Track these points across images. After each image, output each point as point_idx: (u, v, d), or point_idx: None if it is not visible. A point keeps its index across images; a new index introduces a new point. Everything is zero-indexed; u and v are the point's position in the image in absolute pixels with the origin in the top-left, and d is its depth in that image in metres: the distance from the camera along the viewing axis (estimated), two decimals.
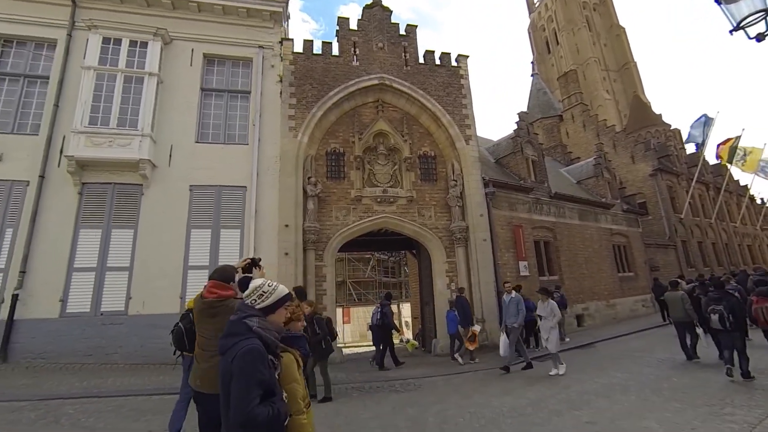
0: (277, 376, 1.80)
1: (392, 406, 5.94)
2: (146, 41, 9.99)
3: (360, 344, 17.57)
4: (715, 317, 6.02)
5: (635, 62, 56.29)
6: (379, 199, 10.96)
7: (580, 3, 59.27)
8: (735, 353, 5.89)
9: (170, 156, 9.74)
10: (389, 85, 11.67)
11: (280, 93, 10.81)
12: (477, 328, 9.69)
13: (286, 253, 9.62)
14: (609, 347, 10.22)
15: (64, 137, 9.10)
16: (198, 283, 9.03)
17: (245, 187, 9.97)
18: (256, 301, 1.90)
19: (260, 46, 11.00)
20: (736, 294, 6.66)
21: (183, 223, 9.42)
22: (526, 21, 68.95)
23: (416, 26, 12.45)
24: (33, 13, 9.78)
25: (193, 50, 10.57)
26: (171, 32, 10.44)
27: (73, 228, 8.91)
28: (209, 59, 10.87)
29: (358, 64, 11.60)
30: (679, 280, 8.95)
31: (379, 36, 11.99)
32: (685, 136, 23.39)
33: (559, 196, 13.87)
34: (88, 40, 9.65)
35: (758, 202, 30.97)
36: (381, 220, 10.96)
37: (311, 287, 9.74)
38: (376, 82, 11.55)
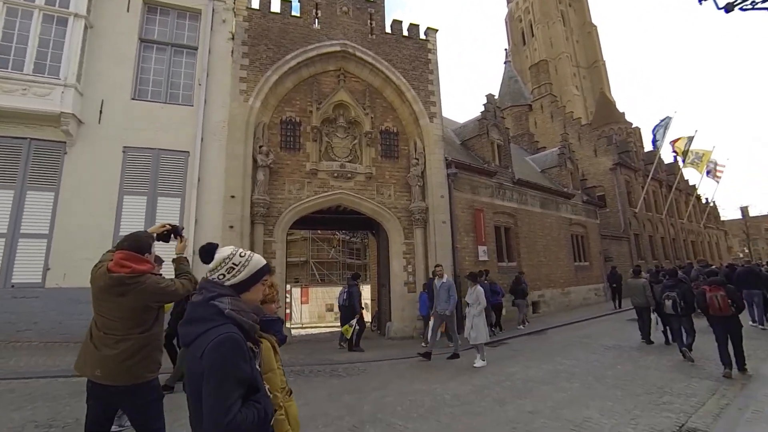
0: (258, 367, 1.45)
1: (329, 392, 5.51)
2: None
3: (317, 325, 17.11)
4: (669, 303, 6.62)
5: (604, 61, 57.80)
6: (336, 174, 10.34)
7: None
8: (684, 334, 6.60)
9: (100, 112, 8.61)
10: (352, 54, 10.92)
11: (231, 52, 9.83)
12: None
13: (231, 227, 8.87)
14: (560, 333, 10.32)
15: None
16: None
17: (188, 152, 9.04)
18: (225, 276, 1.50)
19: None
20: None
21: (114, 188, 8.42)
22: (504, 10, 68.91)
23: None
24: None
25: None
26: None
27: None
28: (150, 6, 9.66)
29: (319, 27, 10.75)
30: (640, 269, 9.41)
31: None
32: (645, 135, 24.16)
33: (523, 182, 13.80)
34: None
35: (703, 201, 32.89)
36: (337, 197, 10.37)
37: None
38: (338, 48, 10.77)
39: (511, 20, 65.70)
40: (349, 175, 10.47)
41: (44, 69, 8.15)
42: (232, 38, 9.90)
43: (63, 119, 8.02)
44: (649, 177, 22.13)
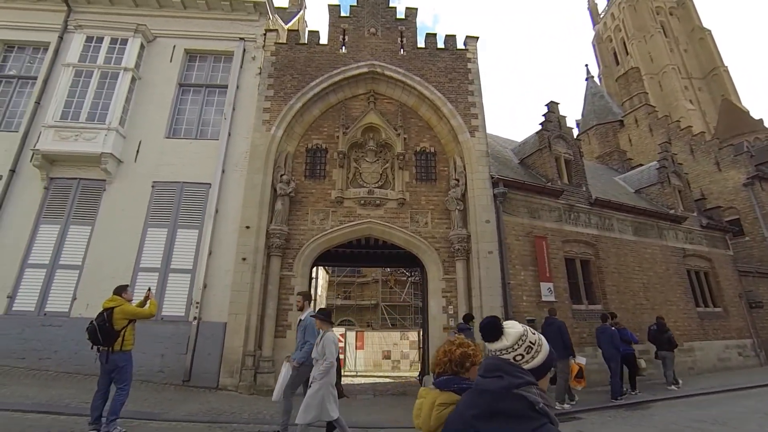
0: None
1: None
2: (126, 38, 9.78)
3: (373, 374, 15.48)
4: None
5: (725, 67, 48.70)
6: (363, 201, 9.31)
7: (653, 9, 53.67)
8: None
9: (137, 152, 9.17)
10: (381, 73, 10.23)
11: (258, 85, 9.91)
12: (582, 360, 7.54)
13: (244, 259, 8.30)
14: (672, 410, 7.17)
15: (40, 133, 8.94)
16: (146, 285, 8.07)
17: (209, 184, 8.99)
18: (523, 357, 1.28)
19: (241, 38, 10.31)
20: None
21: (141, 221, 8.63)
22: (590, 34, 64.33)
23: (416, 9, 10.97)
24: (32, 19, 10.14)
25: (174, 47, 10.21)
26: (155, 30, 10.22)
27: (34, 222, 8.57)
28: (191, 55, 10.43)
29: (345, 51, 10.38)
30: None
31: (372, 21, 10.72)
32: None
33: (603, 202, 10.98)
34: (72, 39, 9.68)
35: None
36: (365, 226, 9.25)
37: (272, 299, 8.29)
38: (365, 70, 10.19)
39: (600, 42, 60.62)
40: (378, 201, 9.35)
41: (95, 117, 9.03)
42: (260, 73, 10.03)
43: (103, 159, 8.66)
44: None
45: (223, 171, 9.06)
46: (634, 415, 6.90)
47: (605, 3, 62.32)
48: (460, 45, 10.79)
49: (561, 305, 9.21)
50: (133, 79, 9.62)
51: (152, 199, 8.83)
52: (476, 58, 10.58)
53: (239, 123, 9.60)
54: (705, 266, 12.95)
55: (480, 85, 10.33)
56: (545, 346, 1.31)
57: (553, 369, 1.36)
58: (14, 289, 8.09)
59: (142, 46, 9.95)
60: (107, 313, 4.88)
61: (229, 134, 9.41)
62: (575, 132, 16.07)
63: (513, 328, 1.32)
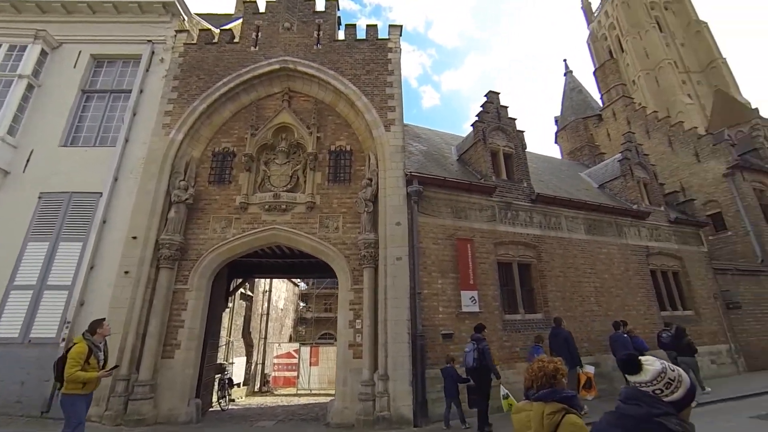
0: None
1: None
2: (26, 45, 9.36)
3: (328, 391, 14.51)
4: None
5: (724, 59, 46.96)
6: (268, 207, 8.55)
7: (647, 4, 52.42)
8: None
9: (27, 161, 8.62)
10: (294, 69, 9.58)
11: (163, 88, 9.33)
12: (591, 369, 7.51)
13: (126, 272, 7.59)
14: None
15: None
16: (20, 306, 7.43)
17: (100, 193, 8.36)
18: (662, 391, 1.44)
19: (149, 41, 9.80)
20: None
21: (21, 234, 8.01)
22: (585, 33, 63.27)
23: (336, 0, 10.34)
24: None
25: (80, 52, 9.75)
26: (61, 36, 9.82)
27: None
28: (99, 60, 9.96)
29: (257, 49, 9.76)
30: None
31: (287, 16, 10.11)
32: None
33: (547, 199, 9.96)
34: None
35: None
36: (269, 233, 8.48)
37: (156, 317, 7.50)
38: (276, 66, 9.55)
39: (595, 41, 59.47)
40: (285, 206, 8.58)
41: None
42: (166, 75, 9.47)
43: None
44: None
45: (115, 179, 8.44)
46: None
47: (599, 1, 61.39)
48: (385, 35, 10.07)
49: (489, 316, 8.23)
50: (30, 87, 9.17)
51: (37, 211, 8.22)
52: (398, 48, 9.83)
53: (140, 128, 9.01)
54: (674, 265, 11.72)
55: (400, 75, 9.56)
56: (685, 383, 1.44)
57: None
58: None
59: (43, 53, 9.52)
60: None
61: (127, 140, 8.83)
62: (554, 129, 15.06)
63: (652, 366, 1.47)
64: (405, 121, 9.91)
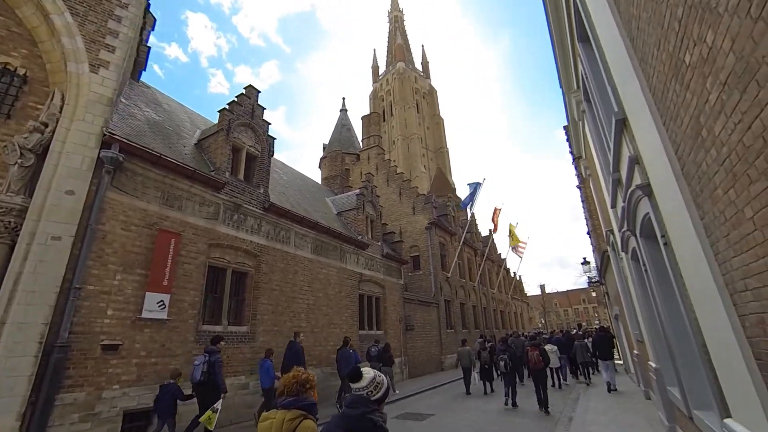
0: None
1: None
2: None
3: None
4: (501, 363, 8.77)
5: (447, 148, 65.06)
6: None
7: (413, 88, 66.99)
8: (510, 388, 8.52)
9: None
10: None
11: None
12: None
13: None
14: None
15: None
16: None
17: None
18: (372, 392, 1.84)
19: None
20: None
21: None
22: (370, 88, 74.37)
23: None
24: None
25: None
26: None
27: None
28: None
29: None
30: (466, 341, 12.44)
31: None
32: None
33: (280, 211, 9.88)
34: None
35: (511, 275, 35.48)
36: None
37: None
38: None
39: (375, 97, 70.51)
40: None
41: None
42: None
43: None
44: (461, 239, 21.57)
45: None
46: None
47: (384, 68, 74.06)
48: None
49: (179, 324, 6.94)
50: None
51: None
52: None
53: None
54: (378, 292, 13.94)
55: (140, 18, 7.51)
56: (385, 385, 1.88)
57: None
58: None
59: None
60: None
61: None
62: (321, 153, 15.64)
63: (368, 374, 1.87)
64: (151, 84, 7.82)
